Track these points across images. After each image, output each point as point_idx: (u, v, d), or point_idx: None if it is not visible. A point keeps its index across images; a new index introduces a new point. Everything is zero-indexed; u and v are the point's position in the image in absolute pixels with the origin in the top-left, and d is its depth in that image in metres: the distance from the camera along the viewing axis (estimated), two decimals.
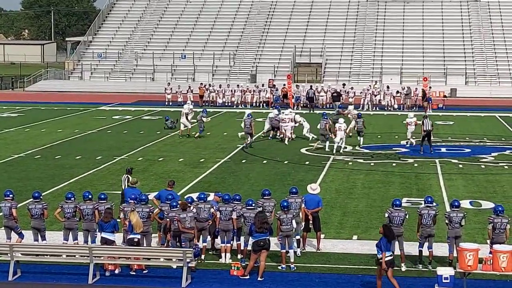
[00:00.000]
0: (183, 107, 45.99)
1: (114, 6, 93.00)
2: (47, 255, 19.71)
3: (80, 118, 54.22)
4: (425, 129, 37.65)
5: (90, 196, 20.70)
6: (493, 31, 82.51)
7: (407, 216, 19.99)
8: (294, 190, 21.60)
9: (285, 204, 20.20)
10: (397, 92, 61.04)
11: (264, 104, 62.12)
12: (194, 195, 22.19)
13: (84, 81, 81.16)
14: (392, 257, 18.01)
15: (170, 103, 62.80)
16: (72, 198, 20.85)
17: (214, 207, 20.73)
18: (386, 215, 20.00)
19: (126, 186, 24.13)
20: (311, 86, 61.89)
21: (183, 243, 19.80)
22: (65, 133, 45.53)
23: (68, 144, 41.69)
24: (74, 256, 19.56)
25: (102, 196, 20.92)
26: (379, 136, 43.03)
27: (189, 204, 20.26)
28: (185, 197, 21.88)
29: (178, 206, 20.06)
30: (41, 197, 21.26)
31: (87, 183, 30.67)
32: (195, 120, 45.02)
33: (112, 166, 34.61)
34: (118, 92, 75.19)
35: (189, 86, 64.72)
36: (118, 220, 20.49)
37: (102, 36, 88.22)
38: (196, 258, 19.28)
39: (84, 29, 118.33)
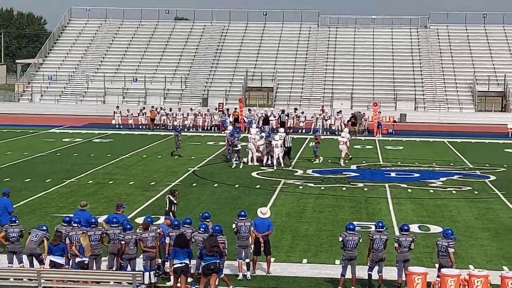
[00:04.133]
0: (250, 131, 44.15)
1: (65, 28, 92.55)
2: None
3: (30, 141, 53.69)
4: (286, 145, 41.67)
5: (44, 228, 20.47)
6: (442, 58, 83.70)
7: (360, 240, 20.10)
8: (242, 213, 21.56)
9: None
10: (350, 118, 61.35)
11: (216, 128, 62.23)
12: (141, 219, 22.04)
13: (34, 104, 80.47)
14: (182, 264, 18.90)
15: (121, 126, 62.58)
16: (17, 222, 20.69)
17: (162, 230, 20.65)
18: (340, 239, 20.03)
19: (172, 208, 24.78)
20: (282, 111, 62.13)
21: (143, 262, 19.82)
22: (14, 156, 45.05)
23: (17, 166, 41.24)
24: (22, 279, 19.32)
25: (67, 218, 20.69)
26: (329, 161, 43.23)
27: (150, 224, 20.52)
28: (145, 217, 21.70)
29: (132, 228, 20.18)
30: None
31: (36, 206, 30.37)
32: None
33: (62, 189, 34.30)
34: (69, 114, 74.72)
35: (143, 108, 64.56)
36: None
37: (52, 59, 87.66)
38: (159, 275, 20.20)
39: (35, 51, 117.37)
